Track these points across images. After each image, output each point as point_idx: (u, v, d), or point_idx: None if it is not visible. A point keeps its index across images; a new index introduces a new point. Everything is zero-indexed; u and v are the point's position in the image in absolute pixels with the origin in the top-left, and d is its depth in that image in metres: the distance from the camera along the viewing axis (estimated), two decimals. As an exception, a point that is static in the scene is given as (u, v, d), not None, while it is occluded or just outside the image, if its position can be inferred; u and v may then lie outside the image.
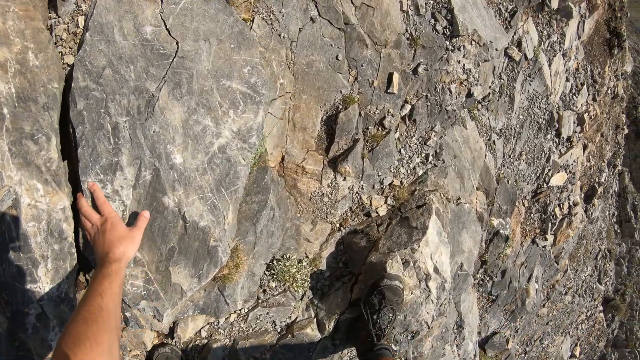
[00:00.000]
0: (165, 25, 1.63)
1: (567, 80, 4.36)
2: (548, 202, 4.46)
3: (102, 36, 1.54)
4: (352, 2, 2.31)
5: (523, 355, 5.37)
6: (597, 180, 6.30)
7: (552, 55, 3.94)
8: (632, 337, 13.05)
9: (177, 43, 1.66)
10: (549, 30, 3.89)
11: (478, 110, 3.11)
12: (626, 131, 9.80)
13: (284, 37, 2.12)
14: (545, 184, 4.29)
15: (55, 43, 1.57)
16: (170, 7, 1.64)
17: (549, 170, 4.24)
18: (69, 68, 1.56)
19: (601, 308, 9.45)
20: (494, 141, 3.33)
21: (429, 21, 2.54)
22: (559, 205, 4.67)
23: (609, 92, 6.38)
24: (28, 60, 1.42)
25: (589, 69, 4.74)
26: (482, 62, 2.82)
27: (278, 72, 2.09)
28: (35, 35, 1.44)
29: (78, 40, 1.60)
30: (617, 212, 12.57)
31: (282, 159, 2.22)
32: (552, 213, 4.55)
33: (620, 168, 13.63)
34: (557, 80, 4.11)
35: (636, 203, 15.25)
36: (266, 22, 2.04)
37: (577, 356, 7.80)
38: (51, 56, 1.49)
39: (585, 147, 5.53)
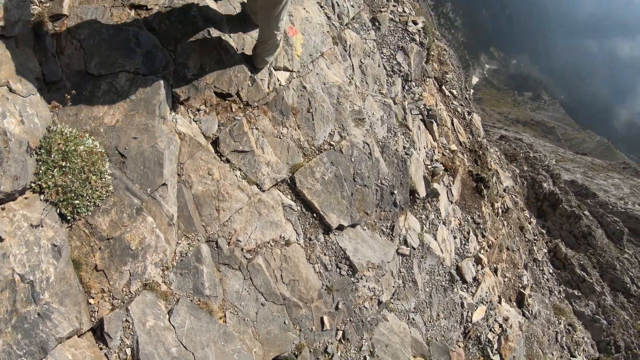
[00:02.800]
0: (182, 344, 2.77)
1: (455, 237, 5.81)
2: (479, 334, 5.58)
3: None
4: (283, 282, 3.59)
5: None
6: (520, 285, 7.59)
7: (435, 230, 5.41)
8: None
9: (192, 355, 2.78)
10: (426, 213, 5.41)
11: (392, 303, 4.35)
12: (534, 223, 11.48)
13: (247, 320, 3.30)
14: (470, 323, 5.46)
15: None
16: (180, 330, 2.80)
17: (467, 311, 5.44)
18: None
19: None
20: (412, 318, 4.54)
21: (336, 271, 3.86)
22: (490, 330, 5.79)
23: (499, 210, 8.01)
24: None
25: (469, 218, 6.29)
26: (380, 277, 4.14)
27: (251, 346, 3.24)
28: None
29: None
30: (564, 287, 13.80)
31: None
32: (487, 339, 5.65)
33: (548, 248, 15.29)
34: (446, 245, 5.53)
35: (582, 262, 16.67)
36: (233, 313, 3.23)
37: None
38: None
39: (496, 270, 6.88)
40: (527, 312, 7.36)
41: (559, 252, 16.21)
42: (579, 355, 9.62)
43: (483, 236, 6.42)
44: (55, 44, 2.89)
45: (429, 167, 6.01)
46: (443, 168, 6.16)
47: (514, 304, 7.27)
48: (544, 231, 17.36)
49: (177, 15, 3.33)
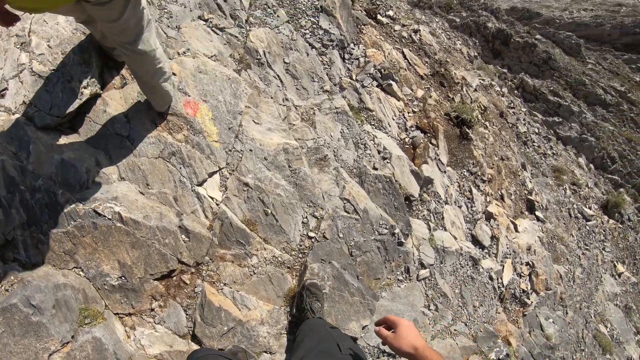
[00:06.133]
0: None
1: (460, 206, 5.30)
2: (512, 290, 5.38)
3: None
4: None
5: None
6: (526, 191, 7.31)
7: (442, 219, 4.87)
8: None
9: None
10: (427, 205, 4.82)
11: (432, 332, 3.99)
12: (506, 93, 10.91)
13: None
14: (503, 288, 5.21)
15: None
16: None
17: (497, 279, 5.16)
18: None
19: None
20: (454, 330, 4.28)
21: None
22: (520, 276, 5.60)
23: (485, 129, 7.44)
24: None
25: (464, 172, 5.72)
26: (420, 328, 3.70)
27: None
28: None
29: None
30: (542, 117, 13.63)
31: None
32: (521, 290, 5.48)
33: (514, 85, 14.86)
34: (456, 224, 5.04)
35: (551, 88, 16.50)
36: None
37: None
38: None
39: (502, 197, 6.52)
40: (540, 215, 7.19)
41: (526, 86, 15.89)
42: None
43: (483, 181, 5.91)
44: None
45: (407, 140, 5.26)
46: (422, 134, 5.41)
47: (526, 214, 7.06)
48: (504, 71, 16.93)
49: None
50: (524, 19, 23.51)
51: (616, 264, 8.71)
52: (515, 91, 15.09)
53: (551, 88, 16.39)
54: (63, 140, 2.63)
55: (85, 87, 2.71)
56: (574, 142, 14.95)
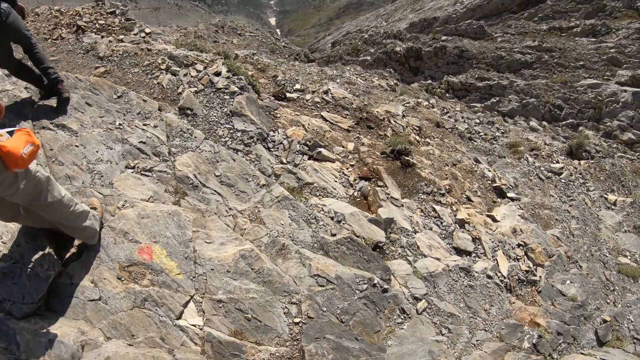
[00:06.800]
0: None
1: (430, 228, 5.60)
2: (516, 276, 5.57)
3: None
4: None
5: None
6: (490, 182, 7.67)
7: (417, 249, 5.15)
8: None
9: None
10: (399, 243, 5.11)
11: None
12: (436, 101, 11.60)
13: None
14: (506, 278, 5.41)
15: None
16: None
17: (495, 273, 5.37)
18: None
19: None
20: (476, 341, 4.39)
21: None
22: (516, 260, 5.81)
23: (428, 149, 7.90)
24: None
25: (421, 197, 6.08)
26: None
27: None
28: None
29: None
30: (482, 105, 14.39)
31: None
32: (523, 272, 5.67)
33: (442, 90, 15.67)
34: (432, 244, 5.32)
35: (476, 76, 17.41)
36: None
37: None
38: None
39: (469, 198, 6.85)
40: (512, 195, 7.50)
41: (454, 85, 16.72)
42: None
43: (442, 194, 6.28)
44: None
45: (356, 194, 5.65)
46: (367, 182, 5.81)
47: (499, 201, 7.37)
48: (429, 82, 17.90)
49: None
50: (425, 28, 25.28)
51: (607, 196, 8.94)
52: (447, 94, 15.94)
53: (475, 76, 17.33)
54: (44, 322, 2.89)
55: (48, 270, 3.05)
56: (519, 112, 15.60)
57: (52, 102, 4.59)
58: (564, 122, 14.58)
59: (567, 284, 5.93)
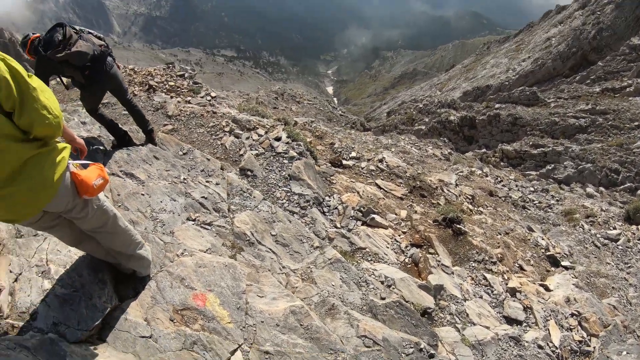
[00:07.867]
0: None
1: (481, 297, 5.82)
2: (568, 346, 5.59)
3: None
4: None
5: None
6: (543, 251, 7.75)
7: (466, 317, 5.38)
8: None
9: None
10: (448, 310, 5.37)
11: None
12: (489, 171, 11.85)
13: None
14: (558, 350, 5.46)
15: None
16: None
17: (546, 344, 5.44)
18: None
19: None
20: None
21: None
22: (569, 330, 5.83)
23: (481, 219, 8.13)
24: None
25: (472, 264, 6.35)
26: None
27: None
28: None
29: None
30: (537, 173, 14.33)
31: None
32: (577, 342, 5.68)
33: (497, 158, 15.76)
34: (482, 312, 5.52)
35: (531, 142, 17.35)
36: None
37: None
38: None
39: (521, 267, 6.99)
40: (566, 264, 7.52)
41: (508, 153, 16.73)
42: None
43: (493, 263, 6.51)
44: None
45: (407, 260, 6.00)
46: (418, 249, 6.18)
47: (553, 270, 7.41)
48: (483, 150, 18.04)
49: None
50: (478, 97, 25.77)
51: (666, 260, 8.63)
52: (501, 162, 16.08)
53: (530, 143, 17.36)
54: (94, 350, 3.08)
55: (105, 302, 3.30)
56: (575, 178, 15.35)
57: (123, 152, 5.15)
58: (621, 187, 14.20)
59: (624, 354, 5.82)
